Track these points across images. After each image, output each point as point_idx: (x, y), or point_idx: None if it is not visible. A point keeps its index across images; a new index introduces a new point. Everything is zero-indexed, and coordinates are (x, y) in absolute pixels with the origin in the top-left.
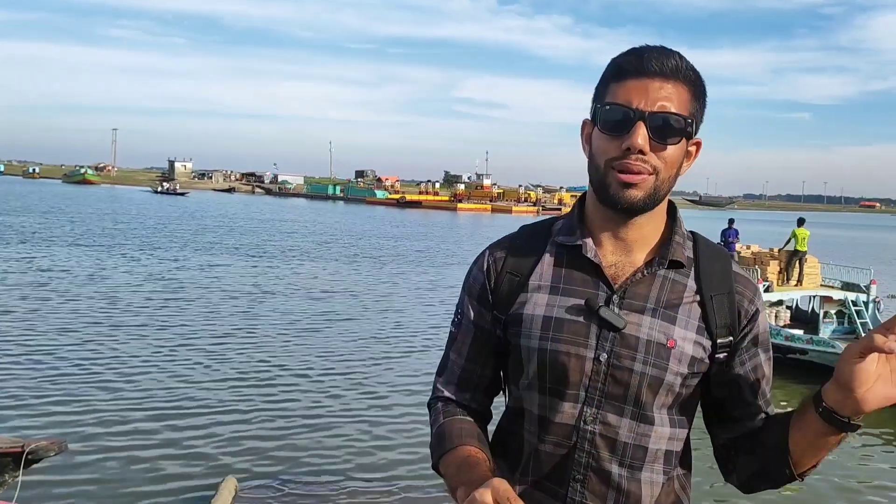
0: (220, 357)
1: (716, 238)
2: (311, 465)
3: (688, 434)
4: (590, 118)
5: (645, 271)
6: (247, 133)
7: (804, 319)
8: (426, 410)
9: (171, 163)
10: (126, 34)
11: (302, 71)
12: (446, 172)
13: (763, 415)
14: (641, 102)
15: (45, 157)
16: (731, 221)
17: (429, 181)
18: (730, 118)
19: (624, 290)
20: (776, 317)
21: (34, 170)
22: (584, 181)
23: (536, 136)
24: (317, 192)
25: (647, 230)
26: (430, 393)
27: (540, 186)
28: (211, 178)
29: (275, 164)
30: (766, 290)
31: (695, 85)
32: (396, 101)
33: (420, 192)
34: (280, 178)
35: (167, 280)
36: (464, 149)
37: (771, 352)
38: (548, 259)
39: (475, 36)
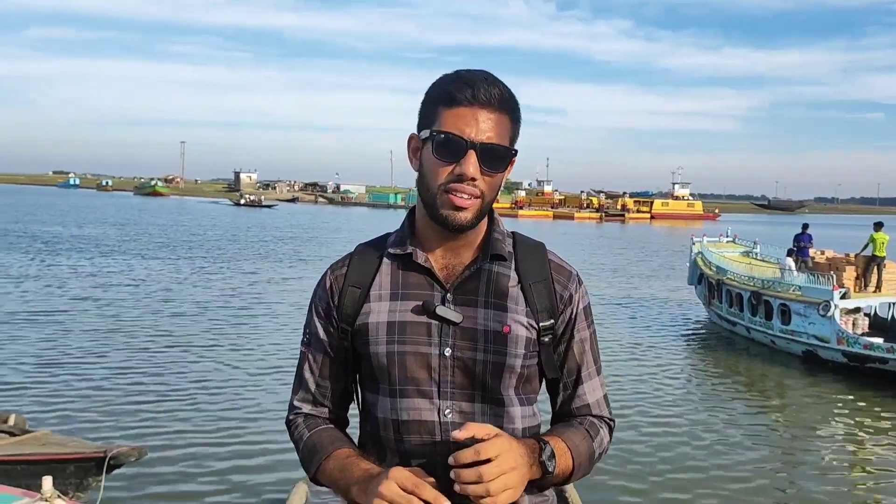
0: (293, 367)
1: (789, 243)
2: None
3: (536, 409)
4: (419, 136)
5: (472, 267)
6: (309, 143)
7: (883, 327)
8: None
9: (237, 174)
10: (191, 50)
11: (361, 81)
12: (507, 179)
13: (577, 400)
14: (473, 132)
15: (116, 170)
16: (804, 226)
17: None
18: (798, 120)
19: (455, 287)
20: (853, 324)
21: (107, 183)
22: (647, 186)
23: (598, 141)
24: (378, 200)
25: (472, 235)
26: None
27: (602, 192)
28: (275, 188)
29: (337, 174)
30: (843, 297)
31: (514, 111)
32: None
33: None
34: (342, 188)
35: (246, 294)
36: (524, 155)
37: (592, 327)
38: (385, 269)
39: (534, 42)
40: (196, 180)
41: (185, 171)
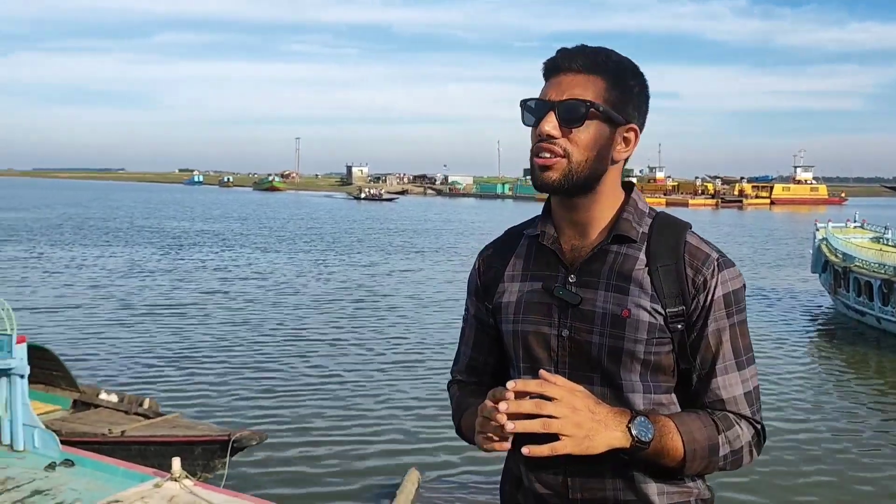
0: (409, 358)
1: None
2: (494, 461)
3: (673, 399)
4: None
5: (596, 249)
6: (417, 136)
7: None
8: None
9: (349, 168)
10: (305, 48)
11: (468, 73)
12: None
13: (710, 394)
14: (554, 94)
15: (237, 166)
16: None
17: None
18: None
19: (578, 269)
20: None
21: (228, 179)
22: (767, 171)
23: (713, 125)
24: (486, 191)
25: (595, 212)
26: None
27: (718, 178)
28: (385, 181)
29: (445, 166)
30: None
31: (613, 74)
32: None
33: None
34: (450, 179)
35: (364, 286)
36: None
37: (736, 317)
38: (520, 251)
39: (644, 25)
40: (317, 175)
41: (300, 165)
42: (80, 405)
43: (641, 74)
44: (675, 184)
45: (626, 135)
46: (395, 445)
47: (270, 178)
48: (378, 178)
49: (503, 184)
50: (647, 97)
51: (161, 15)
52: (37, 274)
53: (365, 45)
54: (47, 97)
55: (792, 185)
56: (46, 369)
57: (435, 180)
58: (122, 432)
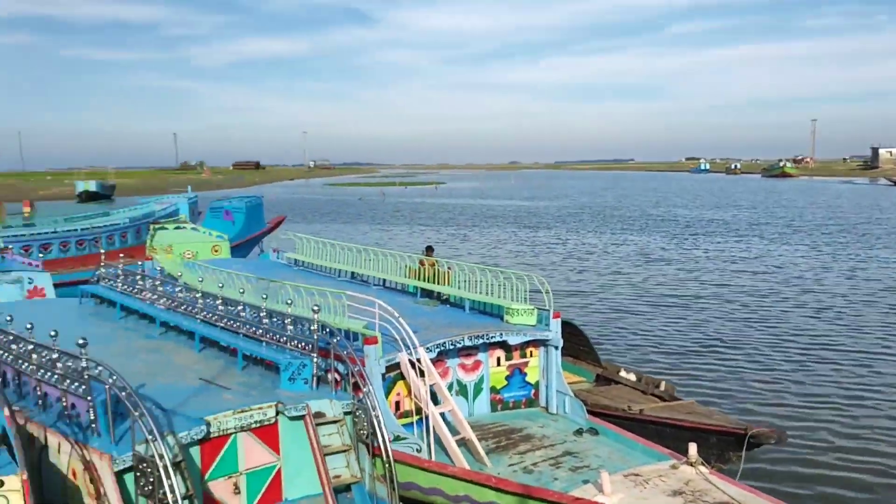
0: None
1: None
2: None
3: None
4: None
5: None
6: None
7: None
8: None
9: (875, 150)
10: (823, 22)
11: None
12: None
13: None
14: None
15: (743, 152)
16: None
17: None
18: None
19: None
20: None
21: (736, 166)
22: None
23: None
24: None
25: None
26: None
27: None
28: None
29: None
30: None
31: None
32: None
33: None
34: None
35: None
36: None
37: None
38: None
39: None
40: (844, 159)
41: (816, 149)
42: (602, 380)
43: None
44: None
45: None
46: None
47: (781, 164)
48: None
49: None
50: None
51: (675, 7)
52: (560, 257)
53: None
54: (568, 95)
55: None
56: (575, 344)
57: None
58: (641, 410)
